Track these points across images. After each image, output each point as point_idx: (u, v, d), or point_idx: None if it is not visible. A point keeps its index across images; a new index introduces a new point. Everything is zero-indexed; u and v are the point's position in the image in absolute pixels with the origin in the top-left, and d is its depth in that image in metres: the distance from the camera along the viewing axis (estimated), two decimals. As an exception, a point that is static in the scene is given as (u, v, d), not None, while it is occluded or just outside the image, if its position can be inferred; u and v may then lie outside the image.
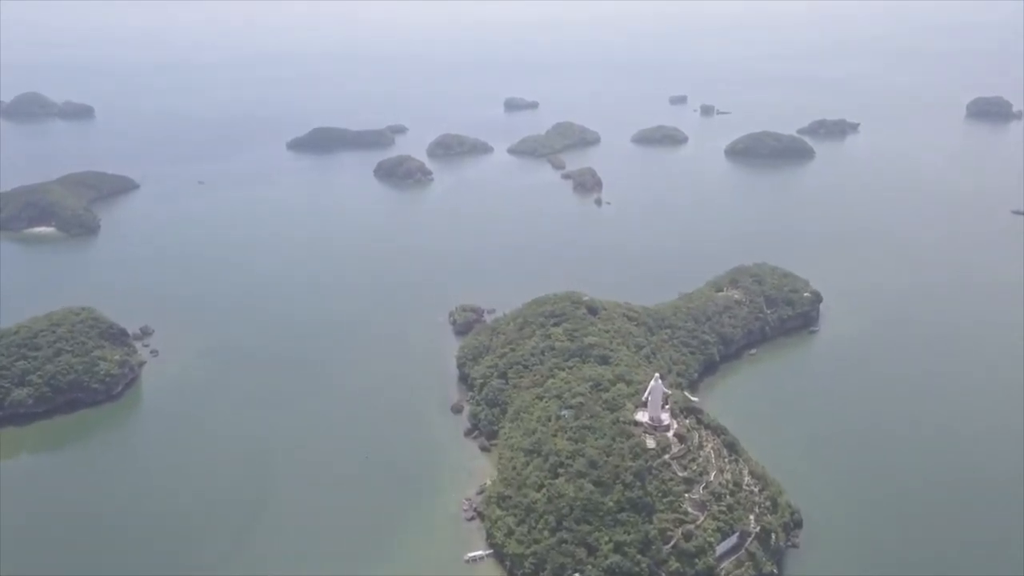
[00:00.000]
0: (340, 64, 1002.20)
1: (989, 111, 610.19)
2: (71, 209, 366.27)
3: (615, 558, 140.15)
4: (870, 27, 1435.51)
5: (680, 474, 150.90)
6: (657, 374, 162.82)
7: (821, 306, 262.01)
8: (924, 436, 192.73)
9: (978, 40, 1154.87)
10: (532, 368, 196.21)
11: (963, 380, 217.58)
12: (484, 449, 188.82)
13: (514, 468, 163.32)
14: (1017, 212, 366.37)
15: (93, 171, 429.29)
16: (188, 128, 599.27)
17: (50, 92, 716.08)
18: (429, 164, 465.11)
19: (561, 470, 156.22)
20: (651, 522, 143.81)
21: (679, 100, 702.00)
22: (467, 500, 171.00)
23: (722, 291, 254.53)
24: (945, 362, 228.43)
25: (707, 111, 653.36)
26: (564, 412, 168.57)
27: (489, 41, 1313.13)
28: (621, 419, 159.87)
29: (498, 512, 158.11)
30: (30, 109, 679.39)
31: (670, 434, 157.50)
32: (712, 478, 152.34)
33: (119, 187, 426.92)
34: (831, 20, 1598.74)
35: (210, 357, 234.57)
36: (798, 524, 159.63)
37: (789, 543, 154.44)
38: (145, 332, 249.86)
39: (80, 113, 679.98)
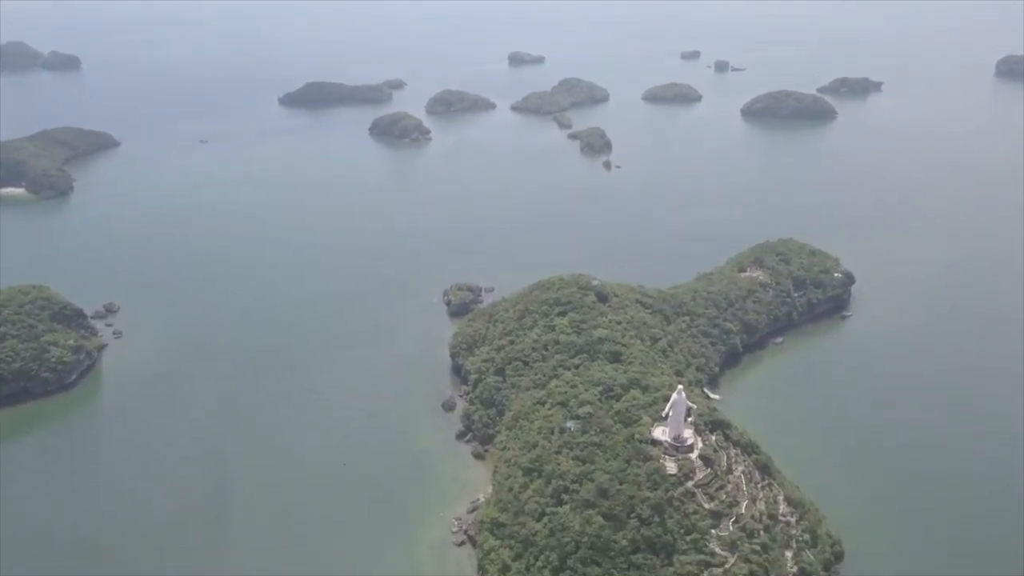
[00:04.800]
0: (335, 16, 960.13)
1: (1018, 70, 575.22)
2: (43, 169, 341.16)
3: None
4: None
5: (706, 506, 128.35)
6: (680, 387, 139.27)
7: (853, 288, 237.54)
8: (977, 442, 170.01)
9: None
10: (533, 365, 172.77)
11: (1019, 375, 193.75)
12: (478, 456, 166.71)
13: (511, 489, 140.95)
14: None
15: (70, 127, 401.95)
16: (176, 82, 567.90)
17: (36, 42, 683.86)
18: (427, 122, 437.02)
19: (566, 496, 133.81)
20: (671, 565, 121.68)
21: (691, 56, 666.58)
22: (457, 520, 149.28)
23: (745, 271, 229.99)
24: (996, 352, 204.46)
25: (721, 67, 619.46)
26: (570, 424, 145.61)
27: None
28: (637, 436, 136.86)
29: (492, 541, 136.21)
30: (14, 59, 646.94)
31: (694, 456, 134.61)
32: (743, 510, 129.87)
33: (97, 144, 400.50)
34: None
35: (178, 341, 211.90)
36: (839, 557, 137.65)
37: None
38: (109, 310, 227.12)
39: (66, 64, 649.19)
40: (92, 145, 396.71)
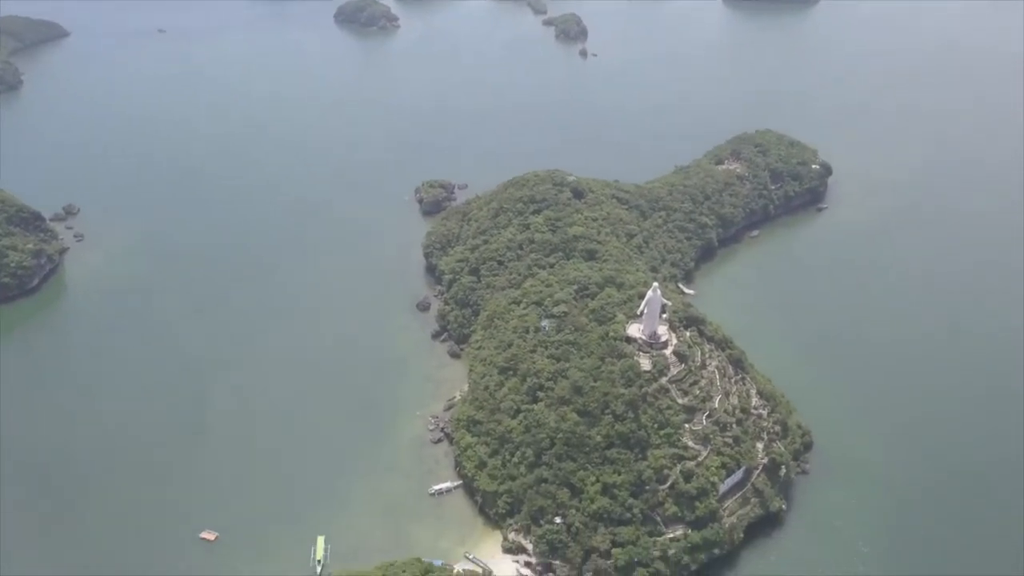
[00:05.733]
0: None
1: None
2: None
3: (603, 502, 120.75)
4: None
5: (680, 401, 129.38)
6: (655, 284, 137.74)
7: (830, 180, 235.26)
8: (949, 336, 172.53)
9: None
10: (508, 265, 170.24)
11: (988, 273, 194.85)
12: (453, 356, 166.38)
13: (487, 388, 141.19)
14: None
15: (16, 15, 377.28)
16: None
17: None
18: (395, 8, 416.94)
19: (541, 394, 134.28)
20: (645, 459, 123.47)
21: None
22: (433, 418, 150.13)
23: (722, 164, 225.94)
24: (971, 245, 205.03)
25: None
26: (545, 323, 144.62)
27: None
28: (611, 334, 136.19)
29: (468, 438, 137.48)
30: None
31: (668, 352, 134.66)
32: (716, 404, 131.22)
33: (46, 35, 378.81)
34: None
35: (144, 243, 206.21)
36: (808, 447, 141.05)
37: (799, 470, 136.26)
38: (69, 212, 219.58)
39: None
40: (40, 35, 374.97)
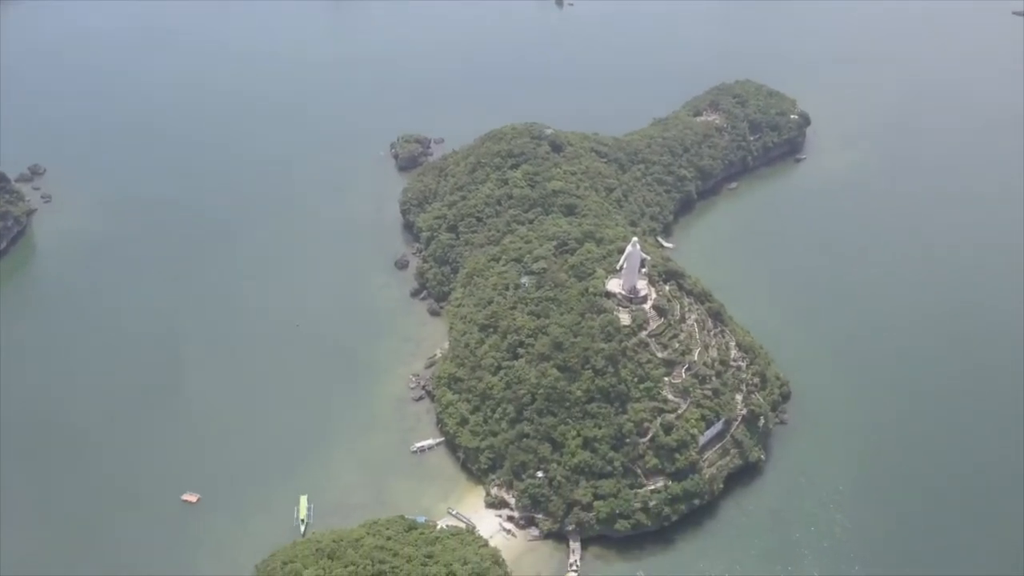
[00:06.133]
0: None
1: None
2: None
3: (584, 455, 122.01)
4: None
5: (659, 355, 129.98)
6: (635, 239, 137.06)
7: (808, 130, 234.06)
8: (921, 287, 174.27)
9: None
10: (487, 221, 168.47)
11: (968, 222, 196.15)
12: (433, 313, 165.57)
13: (467, 345, 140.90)
14: (1017, 13, 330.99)
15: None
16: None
17: None
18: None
19: (521, 350, 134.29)
20: (625, 413, 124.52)
21: None
22: (414, 376, 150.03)
23: (701, 116, 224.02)
24: (947, 199, 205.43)
25: None
26: (524, 280, 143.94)
27: None
28: (591, 289, 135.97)
29: (449, 396, 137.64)
30: None
31: (647, 306, 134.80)
32: (696, 357, 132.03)
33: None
34: None
35: (113, 203, 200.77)
36: (786, 397, 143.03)
37: (777, 420, 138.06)
38: (35, 172, 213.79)
39: None
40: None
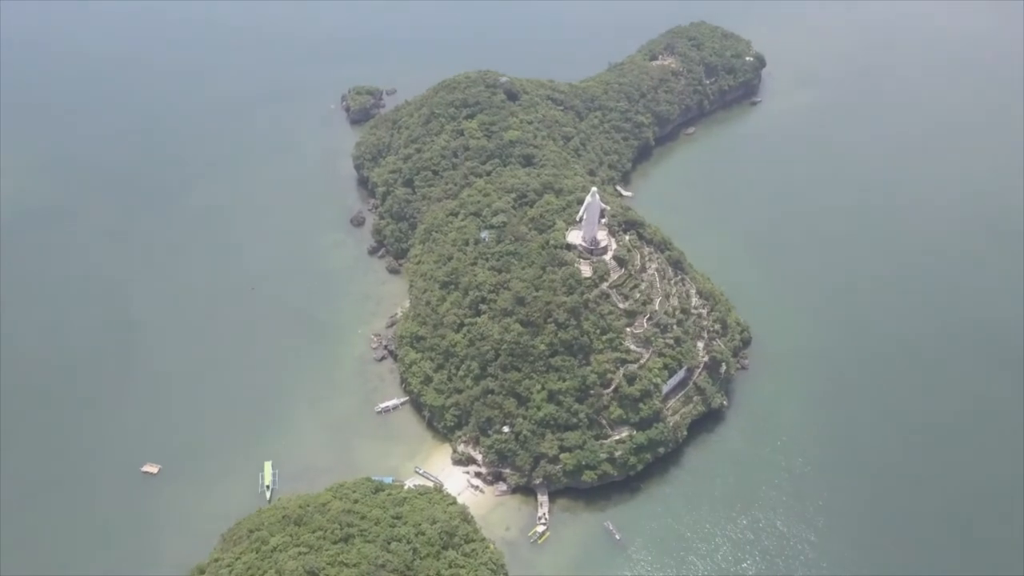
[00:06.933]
0: None
1: None
2: None
3: (549, 408, 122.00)
4: None
5: (621, 306, 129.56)
6: (594, 189, 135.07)
7: (764, 72, 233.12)
8: (876, 228, 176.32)
9: None
10: (443, 174, 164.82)
11: (921, 163, 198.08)
12: (392, 271, 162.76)
13: (428, 303, 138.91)
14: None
15: None
16: None
17: None
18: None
19: (483, 306, 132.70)
20: (589, 365, 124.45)
21: None
22: (376, 336, 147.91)
23: (656, 60, 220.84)
24: (902, 140, 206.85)
25: None
26: (484, 234, 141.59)
27: None
28: (552, 242, 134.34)
29: (413, 354, 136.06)
30: None
31: (608, 257, 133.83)
32: (657, 307, 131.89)
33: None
34: None
35: (56, 168, 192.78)
36: (747, 343, 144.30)
37: (738, 366, 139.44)
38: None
39: None
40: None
